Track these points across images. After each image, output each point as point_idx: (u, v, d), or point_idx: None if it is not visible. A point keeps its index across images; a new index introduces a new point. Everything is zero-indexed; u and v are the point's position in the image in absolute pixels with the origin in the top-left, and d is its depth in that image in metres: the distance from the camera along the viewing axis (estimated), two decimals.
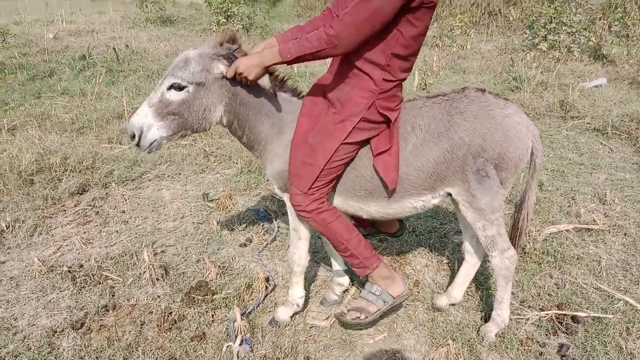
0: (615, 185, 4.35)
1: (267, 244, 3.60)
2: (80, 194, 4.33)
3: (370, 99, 2.30)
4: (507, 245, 2.56)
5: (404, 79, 2.39)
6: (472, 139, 2.31)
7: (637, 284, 3.11)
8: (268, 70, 2.33)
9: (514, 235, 2.68)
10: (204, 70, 2.33)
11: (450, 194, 2.49)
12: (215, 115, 2.45)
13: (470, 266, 2.85)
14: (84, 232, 3.78)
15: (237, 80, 2.35)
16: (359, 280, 3.13)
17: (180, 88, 2.32)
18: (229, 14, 8.41)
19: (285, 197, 2.65)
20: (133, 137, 2.36)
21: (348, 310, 2.67)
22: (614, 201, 4.02)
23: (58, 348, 2.68)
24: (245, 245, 3.62)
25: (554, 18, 7.34)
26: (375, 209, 2.56)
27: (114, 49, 8.56)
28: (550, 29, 7.39)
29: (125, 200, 4.21)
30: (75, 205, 4.16)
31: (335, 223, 2.48)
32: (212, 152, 5.10)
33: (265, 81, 2.37)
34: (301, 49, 2.15)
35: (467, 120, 2.33)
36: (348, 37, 2.09)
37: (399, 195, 2.48)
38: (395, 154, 2.35)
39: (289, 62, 2.22)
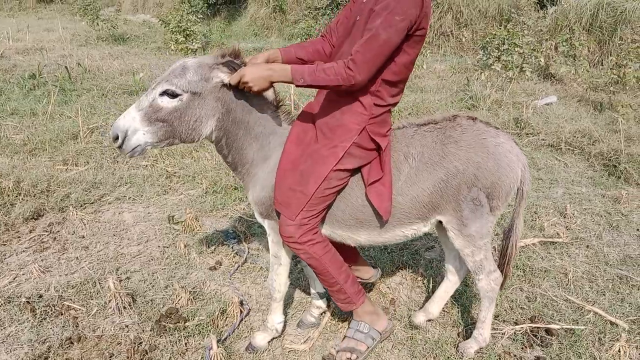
0: (574, 198, 4.51)
1: (238, 267, 3.51)
2: (36, 219, 4.10)
3: (362, 124, 2.27)
4: (494, 267, 2.59)
5: (394, 104, 2.38)
6: (467, 168, 2.32)
7: (604, 295, 3.20)
8: (272, 85, 2.30)
9: (503, 262, 2.71)
10: (201, 80, 2.26)
11: (440, 222, 2.49)
12: (205, 128, 2.37)
13: (451, 284, 2.86)
14: (42, 260, 3.57)
15: (239, 88, 2.28)
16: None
17: (174, 95, 2.25)
18: (187, 32, 8.31)
19: (266, 224, 2.59)
20: (116, 139, 2.28)
21: (337, 352, 2.63)
22: (574, 214, 4.16)
23: None
24: (215, 268, 3.52)
25: (507, 39, 7.63)
26: (365, 237, 2.52)
27: (65, 67, 8.26)
28: (503, 50, 7.67)
29: (85, 224, 4.02)
30: (31, 231, 3.93)
31: (327, 256, 2.43)
32: (175, 173, 4.96)
33: (269, 94, 2.35)
34: (316, 79, 2.15)
35: (461, 149, 2.34)
36: (363, 76, 2.11)
37: (391, 225, 2.45)
38: (388, 184, 2.32)
39: (298, 86, 2.19)
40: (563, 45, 8.23)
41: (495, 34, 7.81)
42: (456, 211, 2.39)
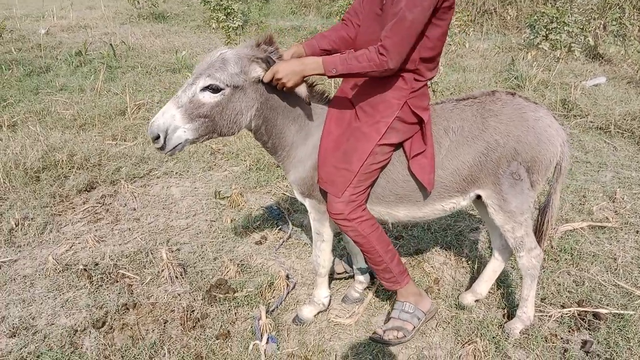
0: (623, 183, 4.39)
1: (282, 242, 3.58)
2: (88, 191, 4.27)
3: (402, 98, 2.28)
4: (534, 244, 2.58)
5: (432, 78, 2.39)
6: (507, 142, 2.32)
7: None
8: (305, 80, 2.28)
9: (537, 237, 2.69)
10: (242, 73, 2.21)
11: (479, 196, 2.49)
12: (245, 120, 2.33)
13: (498, 263, 2.86)
14: (96, 230, 3.72)
15: (273, 85, 2.26)
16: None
17: (216, 90, 2.18)
18: (228, 11, 8.34)
19: (307, 203, 2.62)
20: (157, 138, 2.19)
21: (384, 331, 2.61)
22: (623, 199, 4.06)
23: (81, 347, 2.64)
24: (261, 243, 3.60)
25: (556, 18, 7.39)
26: (404, 213, 2.55)
27: (111, 45, 8.44)
28: (551, 28, 7.44)
29: (135, 197, 4.16)
30: (84, 203, 4.10)
31: (374, 234, 2.46)
32: (219, 150, 5.05)
33: (302, 89, 2.28)
34: (349, 67, 2.13)
35: (501, 122, 2.33)
36: (396, 60, 2.11)
37: (430, 199, 2.46)
38: (431, 156, 2.33)
39: (330, 76, 2.18)
40: (612, 25, 7.92)
41: (545, 12, 7.55)
42: (496, 185, 2.38)
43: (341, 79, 2.55)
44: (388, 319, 2.74)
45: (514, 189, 2.38)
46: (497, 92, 2.46)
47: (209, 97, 2.20)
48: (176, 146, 2.24)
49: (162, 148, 2.22)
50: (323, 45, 2.48)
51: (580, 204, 4.04)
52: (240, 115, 2.29)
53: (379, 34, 2.16)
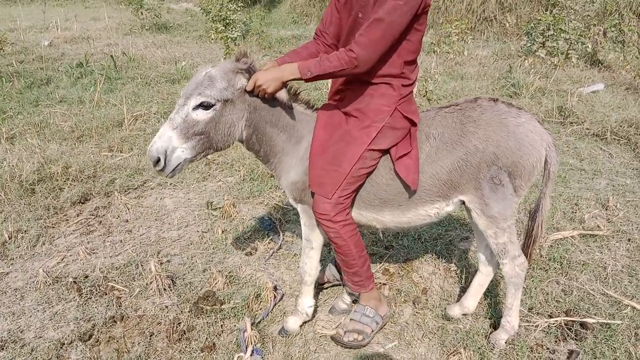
0: (617, 190, 4.37)
1: (272, 253, 3.59)
2: (83, 203, 4.31)
3: (392, 105, 2.37)
4: (518, 252, 2.57)
5: (416, 80, 2.48)
6: (486, 147, 2.34)
7: None
8: (285, 85, 2.37)
9: (527, 243, 2.69)
10: (229, 87, 2.32)
11: (463, 202, 2.51)
12: (238, 131, 2.44)
13: (483, 276, 2.85)
14: (88, 242, 3.75)
15: (255, 93, 2.36)
16: None
17: (208, 107, 2.29)
18: (227, 21, 8.42)
19: (299, 207, 2.67)
20: (157, 161, 2.28)
21: (345, 332, 2.73)
22: (616, 207, 4.04)
23: None
24: (251, 254, 3.61)
25: (552, 25, 7.39)
26: (389, 218, 2.59)
27: (111, 56, 8.53)
28: (548, 35, 7.44)
29: (128, 209, 4.19)
30: (78, 215, 4.13)
31: (353, 239, 2.54)
32: (214, 160, 5.08)
33: (282, 94, 2.39)
34: (322, 68, 2.23)
35: (480, 128, 2.36)
36: (367, 56, 2.20)
37: (413, 204, 2.50)
38: (415, 157, 2.40)
39: (307, 80, 2.27)
40: (612, 31, 7.91)
41: (540, 19, 7.56)
42: (477, 190, 2.41)
43: (329, 88, 2.63)
44: (350, 320, 2.79)
45: (496, 194, 2.39)
46: (479, 99, 2.49)
47: (202, 115, 2.30)
48: (176, 167, 2.35)
49: (162, 170, 2.31)
50: (295, 61, 2.53)
51: (572, 212, 4.03)
52: (232, 127, 2.40)
53: None
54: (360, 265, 2.62)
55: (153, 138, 2.31)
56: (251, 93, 2.38)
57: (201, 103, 2.28)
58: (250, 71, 2.36)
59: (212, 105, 2.30)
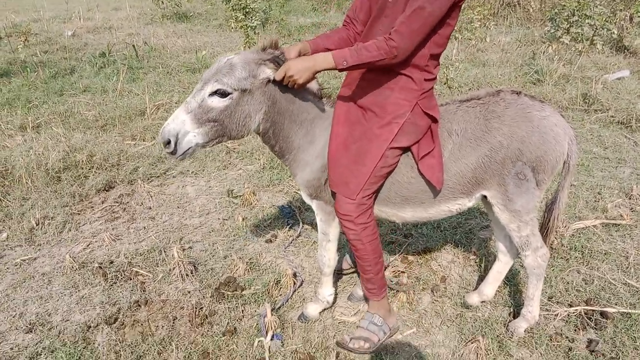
0: None
1: (292, 240, 3.63)
2: (107, 190, 4.40)
3: (413, 100, 2.29)
4: (540, 244, 2.56)
5: (437, 76, 2.40)
6: (511, 143, 2.31)
7: None
8: (315, 76, 2.30)
9: (543, 234, 2.67)
10: (249, 77, 2.26)
11: (485, 196, 2.49)
12: (254, 123, 2.38)
13: (502, 264, 2.85)
14: (113, 229, 3.84)
15: (284, 83, 2.29)
16: (386, 277, 3.13)
17: (224, 94, 2.24)
18: (247, 10, 8.43)
19: (314, 204, 2.66)
20: (168, 143, 2.26)
21: (351, 339, 2.66)
22: None
23: (93, 343, 2.74)
24: (271, 241, 3.66)
25: (577, 10, 7.23)
26: (411, 214, 2.57)
27: (133, 46, 8.62)
28: (572, 21, 7.28)
29: (151, 196, 4.27)
30: (103, 202, 4.23)
31: (372, 244, 2.51)
32: (234, 149, 5.13)
33: (314, 85, 2.35)
34: (359, 58, 2.12)
35: (504, 124, 2.32)
36: (406, 46, 2.11)
37: (436, 201, 2.48)
38: (438, 155, 2.35)
39: (342, 70, 2.18)
40: (638, 16, 7.70)
41: (565, 5, 7.40)
42: (501, 186, 2.38)
43: (343, 80, 2.58)
44: (357, 327, 2.76)
45: (520, 188, 2.37)
46: (502, 92, 2.44)
47: (217, 102, 2.26)
48: (186, 150, 2.30)
49: (173, 152, 2.29)
50: (327, 44, 2.48)
51: (595, 201, 3.98)
52: (248, 118, 2.35)
53: (388, 27, 2.18)
54: (375, 273, 2.58)
55: (167, 119, 2.29)
56: (277, 83, 2.32)
57: (217, 90, 2.23)
58: (277, 61, 2.28)
59: (229, 94, 2.25)
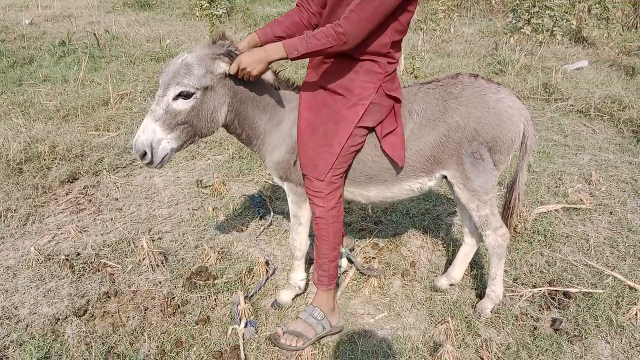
0: (600, 165, 4.47)
1: (263, 229, 3.63)
2: (71, 182, 4.29)
3: (377, 82, 2.35)
4: (500, 223, 2.65)
5: (399, 58, 2.47)
6: (467, 123, 2.39)
7: (624, 260, 3.23)
8: (270, 67, 2.31)
9: (506, 215, 2.78)
10: (207, 73, 2.26)
11: (445, 177, 2.57)
12: (221, 116, 2.39)
13: (469, 247, 2.93)
14: (78, 221, 3.76)
15: (239, 76, 2.29)
16: (357, 262, 3.18)
17: (188, 95, 2.24)
18: None
19: (285, 186, 2.68)
20: (144, 155, 2.25)
21: (284, 333, 2.62)
22: (599, 181, 4.14)
23: (62, 335, 2.69)
24: (242, 230, 3.65)
25: (537, 2, 7.42)
26: (374, 193, 2.63)
27: (94, 34, 8.38)
28: (533, 12, 7.47)
29: (118, 187, 4.19)
30: (67, 194, 4.13)
31: (335, 225, 2.55)
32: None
33: (268, 76, 2.33)
34: (308, 46, 2.15)
35: (461, 104, 2.41)
36: (355, 33, 2.13)
37: (397, 179, 2.55)
38: (400, 134, 2.42)
39: (293, 59, 2.20)
40: (596, 8, 7.95)
41: None
42: (459, 165, 2.47)
43: (307, 65, 2.59)
44: (295, 318, 2.75)
45: (477, 168, 2.46)
46: (460, 75, 2.53)
47: (182, 104, 2.26)
48: (164, 158, 2.31)
49: (150, 162, 2.29)
50: (277, 32, 2.49)
51: (556, 186, 4.12)
52: (215, 113, 2.37)
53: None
54: (330, 260, 2.61)
55: (137, 132, 2.27)
56: (233, 76, 2.32)
57: (180, 93, 2.23)
58: (230, 54, 2.28)
59: (192, 94, 2.25)
